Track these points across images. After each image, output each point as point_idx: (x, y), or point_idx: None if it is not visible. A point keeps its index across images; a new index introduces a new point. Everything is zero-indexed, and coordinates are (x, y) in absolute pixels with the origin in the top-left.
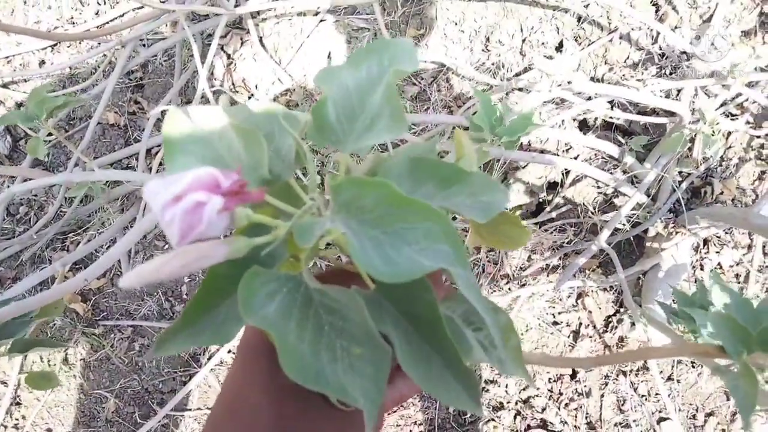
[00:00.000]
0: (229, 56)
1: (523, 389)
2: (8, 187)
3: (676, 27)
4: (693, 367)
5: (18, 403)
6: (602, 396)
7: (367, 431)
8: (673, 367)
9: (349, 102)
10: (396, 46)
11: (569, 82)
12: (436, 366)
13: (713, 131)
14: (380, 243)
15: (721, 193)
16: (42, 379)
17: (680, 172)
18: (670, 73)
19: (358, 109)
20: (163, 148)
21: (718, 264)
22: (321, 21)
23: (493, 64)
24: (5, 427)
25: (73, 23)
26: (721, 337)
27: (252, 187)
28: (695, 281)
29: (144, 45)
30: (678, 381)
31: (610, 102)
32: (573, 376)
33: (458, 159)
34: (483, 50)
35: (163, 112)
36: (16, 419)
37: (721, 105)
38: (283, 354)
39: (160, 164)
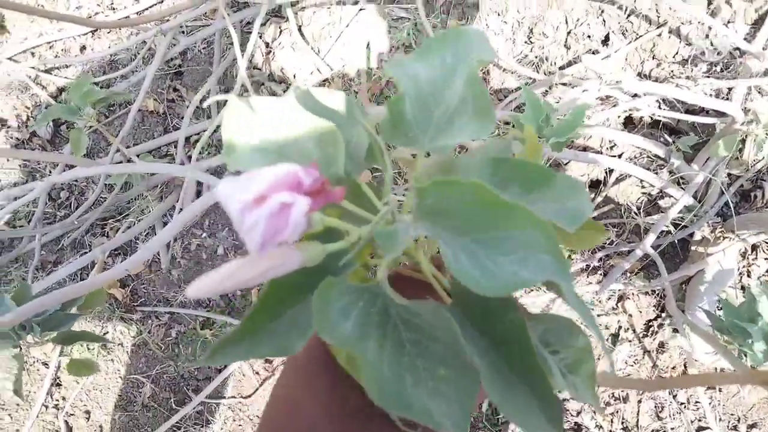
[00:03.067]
0: (267, 45)
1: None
2: (50, 172)
3: (729, 22)
4: None
5: (58, 384)
6: (640, 402)
7: None
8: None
9: (423, 96)
10: (469, 34)
11: (618, 81)
12: (522, 392)
13: (767, 132)
14: (474, 252)
15: None
16: (83, 366)
17: (729, 175)
18: (722, 70)
19: (433, 104)
20: (224, 144)
21: (767, 271)
22: (360, 10)
23: (536, 56)
24: (46, 407)
25: (113, 9)
26: None
27: (333, 178)
28: (741, 288)
29: (183, 32)
30: (719, 390)
31: (658, 100)
32: None
33: (529, 159)
34: (526, 42)
35: (202, 99)
36: (56, 400)
37: None
38: (368, 378)
39: (200, 153)
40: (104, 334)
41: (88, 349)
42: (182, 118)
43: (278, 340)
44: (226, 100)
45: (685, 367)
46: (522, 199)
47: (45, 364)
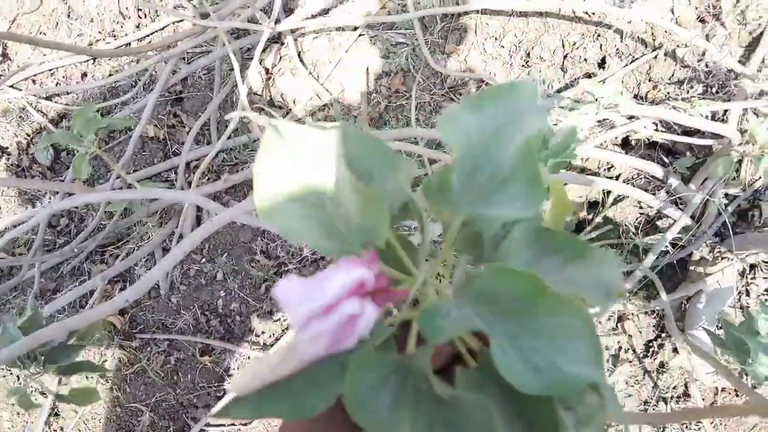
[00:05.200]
0: (267, 71)
1: None
2: (50, 200)
3: (723, 44)
4: (737, 395)
5: (56, 414)
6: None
7: None
8: (716, 394)
9: (473, 156)
10: (521, 89)
11: (615, 105)
12: None
13: (762, 153)
14: (519, 343)
15: None
16: (83, 395)
17: (726, 195)
18: (717, 92)
19: (483, 164)
20: (254, 181)
21: (765, 290)
22: (359, 36)
23: (533, 80)
24: None
25: (115, 36)
26: None
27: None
28: (741, 308)
29: (184, 59)
30: None
31: (654, 121)
32: None
33: (556, 218)
34: (523, 66)
35: (204, 125)
36: (55, 430)
37: None
38: None
39: (200, 178)
40: (103, 362)
41: (87, 377)
42: (183, 143)
43: (294, 399)
44: (229, 122)
45: (686, 387)
46: (558, 272)
47: (43, 393)
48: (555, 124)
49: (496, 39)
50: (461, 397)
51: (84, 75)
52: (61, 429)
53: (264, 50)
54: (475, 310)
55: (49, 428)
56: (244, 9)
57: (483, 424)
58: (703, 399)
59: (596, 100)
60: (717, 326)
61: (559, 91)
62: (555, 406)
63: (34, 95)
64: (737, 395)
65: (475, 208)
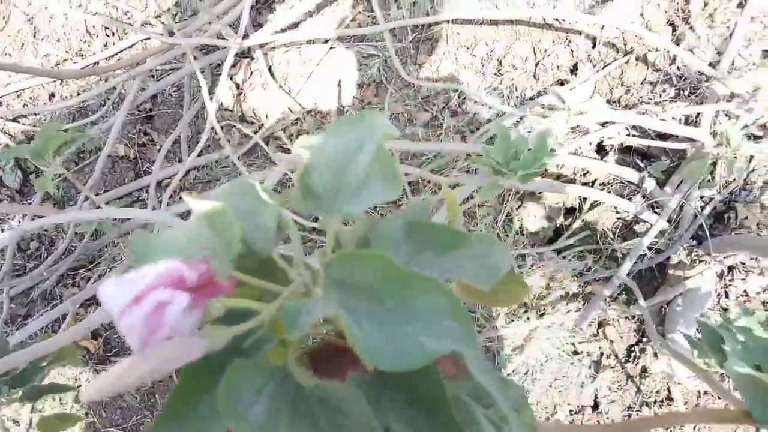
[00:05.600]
0: (238, 86)
1: (545, 421)
2: (19, 222)
3: (693, 48)
4: (719, 398)
5: None
6: None
7: None
8: (698, 397)
9: (332, 167)
10: (372, 118)
11: (583, 113)
12: None
13: (735, 155)
14: (380, 324)
15: (746, 218)
16: (57, 421)
17: (702, 197)
18: (689, 95)
19: (344, 173)
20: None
21: (744, 291)
22: (330, 48)
23: (506, 88)
24: None
25: (82, 55)
26: (747, 400)
27: (225, 269)
28: (722, 310)
29: (153, 77)
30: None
31: (627, 127)
32: (595, 407)
33: (450, 219)
34: (495, 74)
35: (175, 142)
36: None
37: (743, 127)
38: None
39: (171, 197)
40: (78, 386)
41: (61, 402)
42: (153, 162)
43: (199, 425)
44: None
45: (669, 391)
46: (436, 262)
47: (15, 421)
48: (529, 132)
49: (467, 48)
50: (327, 387)
51: (52, 95)
52: None
53: (234, 65)
54: (340, 300)
55: None
56: (211, 24)
57: (362, 414)
58: (686, 403)
59: (567, 108)
60: (697, 329)
61: (531, 98)
62: (445, 397)
63: (1, 117)
64: (720, 398)
65: (343, 207)
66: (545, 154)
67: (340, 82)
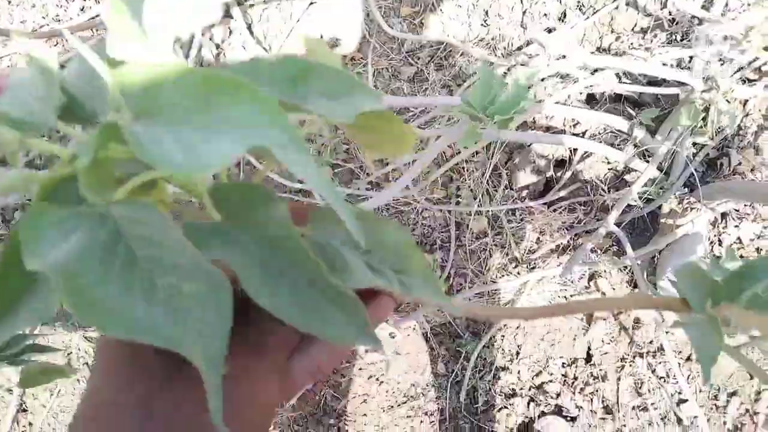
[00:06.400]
0: (218, 46)
1: (536, 375)
2: None
3: None
4: None
5: (24, 410)
6: (619, 379)
7: (210, 404)
8: (691, 346)
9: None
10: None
11: (564, 56)
12: (306, 295)
13: (728, 99)
14: (186, 137)
15: (739, 164)
16: (41, 375)
17: (694, 144)
18: (681, 39)
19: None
20: None
21: (738, 238)
22: (311, 4)
23: (493, 39)
24: None
25: (59, 20)
26: (684, 287)
27: (49, 116)
28: (713, 257)
29: None
30: (698, 361)
31: (617, 73)
32: (588, 359)
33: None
34: (482, 25)
35: None
36: (23, 427)
37: (737, 70)
38: (72, 296)
39: None
40: (67, 354)
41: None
42: None
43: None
44: None
45: (662, 346)
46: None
47: (9, 390)
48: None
49: None
50: (150, 222)
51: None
52: (30, 424)
53: (213, 25)
54: (143, 128)
55: (18, 425)
56: None
57: (180, 250)
58: (680, 352)
59: (547, 54)
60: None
61: (519, 48)
62: (294, 233)
63: None
64: None
65: None
66: (523, 97)
67: (321, 38)
